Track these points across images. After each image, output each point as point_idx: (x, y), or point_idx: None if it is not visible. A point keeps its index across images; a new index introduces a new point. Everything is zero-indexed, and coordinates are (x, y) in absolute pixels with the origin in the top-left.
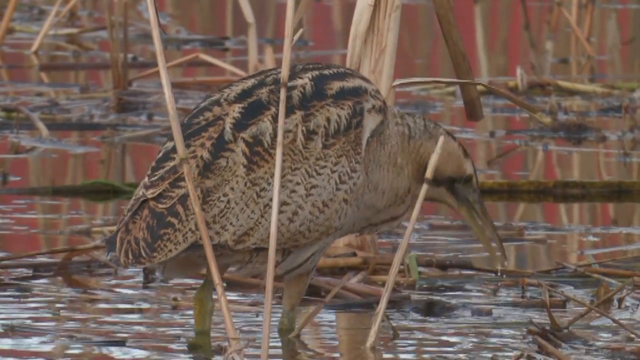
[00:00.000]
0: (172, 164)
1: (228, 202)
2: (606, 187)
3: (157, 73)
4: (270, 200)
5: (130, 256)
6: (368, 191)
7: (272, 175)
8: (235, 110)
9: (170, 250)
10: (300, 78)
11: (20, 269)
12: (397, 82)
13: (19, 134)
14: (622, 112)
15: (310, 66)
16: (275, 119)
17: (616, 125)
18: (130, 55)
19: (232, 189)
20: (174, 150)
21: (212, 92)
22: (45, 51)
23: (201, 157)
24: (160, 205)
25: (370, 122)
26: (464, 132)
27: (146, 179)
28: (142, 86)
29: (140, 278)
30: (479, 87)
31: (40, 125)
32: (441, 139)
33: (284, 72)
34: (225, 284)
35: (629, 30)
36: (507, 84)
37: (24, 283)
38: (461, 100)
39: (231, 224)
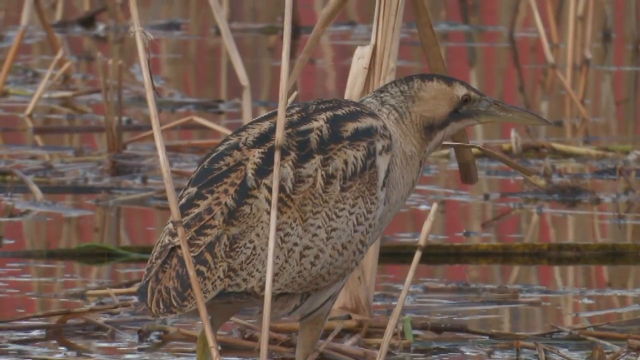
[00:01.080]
0: (196, 211)
1: (254, 248)
2: (601, 250)
3: (152, 136)
4: (294, 245)
5: (162, 306)
6: (389, 211)
7: (295, 220)
8: (256, 156)
9: (189, 304)
10: (316, 120)
11: (14, 332)
12: None
13: (13, 197)
14: (616, 174)
15: (323, 106)
16: (295, 163)
17: (611, 188)
18: (124, 118)
19: (258, 235)
20: (197, 196)
21: (229, 135)
22: (39, 114)
23: (225, 204)
24: (193, 254)
25: (382, 164)
26: (458, 195)
27: (170, 226)
28: (136, 149)
29: (135, 340)
30: (474, 150)
31: (35, 189)
32: (434, 206)
33: (279, 134)
34: (220, 347)
35: (623, 92)
36: (502, 146)
37: (19, 347)
38: (456, 162)
39: (257, 270)
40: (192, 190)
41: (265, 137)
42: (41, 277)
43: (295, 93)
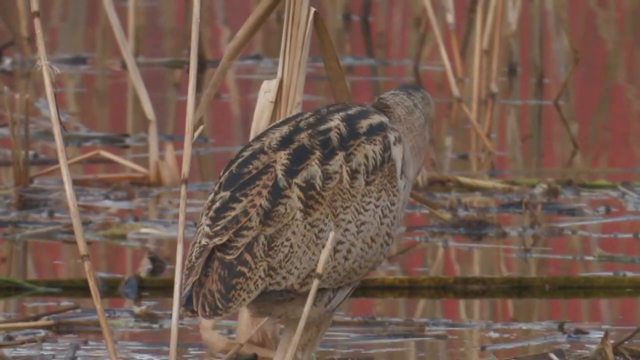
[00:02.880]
0: (232, 214)
1: (291, 246)
2: (506, 283)
3: (59, 170)
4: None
5: (207, 309)
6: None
7: (327, 216)
8: (283, 157)
9: (243, 299)
10: (332, 120)
11: None
12: None
13: None
14: (522, 208)
15: (333, 108)
16: (321, 161)
17: (517, 221)
18: (31, 152)
19: (294, 232)
20: (231, 200)
21: (250, 142)
22: None
23: (260, 205)
24: (228, 256)
25: (398, 154)
26: None
27: (207, 229)
28: (43, 183)
29: None
30: None
31: None
32: (332, 235)
33: (185, 169)
34: None
35: (529, 125)
36: None
37: None
38: None
39: (295, 267)
40: (225, 194)
41: (288, 140)
42: None
43: (201, 127)
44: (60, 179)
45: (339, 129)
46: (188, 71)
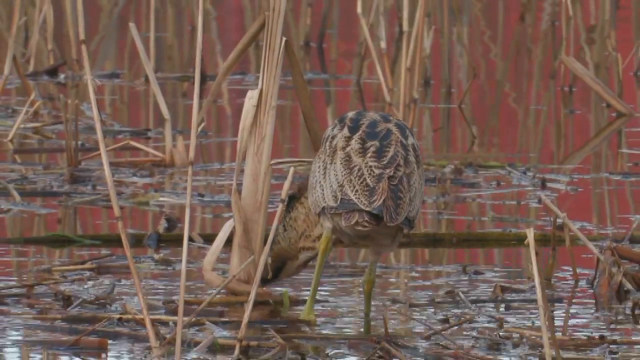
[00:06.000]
0: (390, 154)
1: (415, 188)
2: (425, 237)
3: (99, 155)
4: (420, 187)
5: (388, 217)
6: None
7: (421, 172)
8: (393, 127)
9: (401, 215)
10: (390, 116)
11: None
12: (274, 161)
13: None
14: (436, 182)
15: (378, 114)
16: (411, 135)
17: (432, 192)
18: (79, 142)
19: (416, 179)
20: (383, 147)
21: (350, 117)
22: (17, 139)
23: (401, 152)
24: (392, 183)
25: None
26: None
27: (375, 163)
28: (88, 165)
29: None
30: None
31: (14, 193)
32: (291, 169)
33: (191, 154)
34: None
35: (440, 122)
36: None
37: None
38: None
39: (416, 204)
40: (375, 142)
41: (385, 118)
42: (19, 258)
43: (203, 124)
44: (101, 161)
45: (398, 119)
46: (193, 83)
